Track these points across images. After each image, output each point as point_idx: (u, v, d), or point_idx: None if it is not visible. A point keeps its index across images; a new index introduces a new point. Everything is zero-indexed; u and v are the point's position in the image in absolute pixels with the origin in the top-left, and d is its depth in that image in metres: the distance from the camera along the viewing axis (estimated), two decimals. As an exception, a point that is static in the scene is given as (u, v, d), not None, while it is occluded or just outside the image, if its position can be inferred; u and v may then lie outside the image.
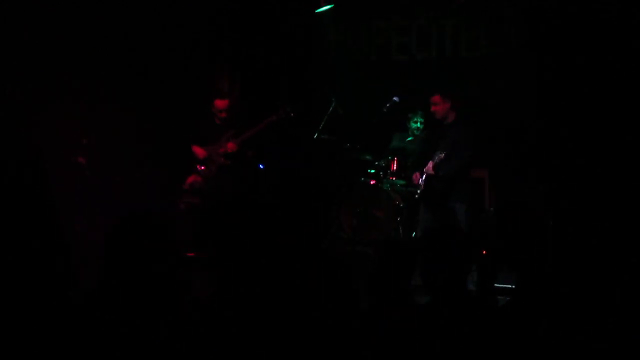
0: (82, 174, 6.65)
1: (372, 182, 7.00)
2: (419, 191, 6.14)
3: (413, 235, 6.79)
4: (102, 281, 2.14)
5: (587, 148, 6.43)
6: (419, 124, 7.21)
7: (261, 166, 7.14)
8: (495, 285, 4.04)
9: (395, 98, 6.73)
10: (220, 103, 6.77)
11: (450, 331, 2.22)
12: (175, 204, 6.65)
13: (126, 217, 2.18)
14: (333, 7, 7.47)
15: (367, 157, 7.13)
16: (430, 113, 6.10)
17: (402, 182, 6.98)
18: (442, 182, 5.96)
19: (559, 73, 6.78)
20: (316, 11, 7.52)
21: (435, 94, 5.97)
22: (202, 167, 6.77)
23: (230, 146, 6.70)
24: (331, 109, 7.13)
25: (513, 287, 4.60)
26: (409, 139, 7.24)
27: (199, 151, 6.79)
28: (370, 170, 7.11)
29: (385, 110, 6.74)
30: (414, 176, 6.29)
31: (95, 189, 6.54)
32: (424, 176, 6.06)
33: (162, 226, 2.21)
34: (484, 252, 5.63)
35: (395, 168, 6.97)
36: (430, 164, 5.93)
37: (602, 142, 6.38)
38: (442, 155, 5.80)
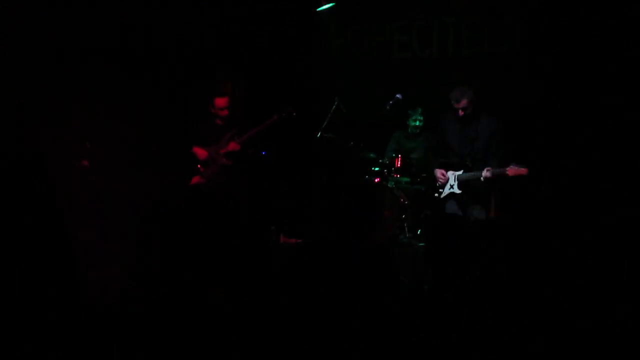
0: (86, 177, 6.66)
1: (376, 180, 6.98)
2: (442, 190, 6.07)
3: (418, 232, 6.78)
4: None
5: (591, 147, 6.42)
6: (418, 122, 7.25)
7: (264, 152, 7.13)
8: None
9: (398, 95, 6.76)
10: (220, 101, 6.78)
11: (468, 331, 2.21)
12: (179, 204, 6.62)
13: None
14: (334, 5, 7.46)
15: (371, 155, 7.12)
16: (454, 110, 5.93)
17: (406, 179, 6.97)
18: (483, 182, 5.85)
19: (563, 72, 6.77)
20: (317, 10, 7.50)
21: (460, 100, 5.84)
22: (204, 168, 6.78)
23: (232, 146, 6.70)
24: (334, 107, 7.12)
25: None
26: (410, 134, 7.29)
27: (200, 152, 6.80)
28: (374, 168, 7.10)
29: (388, 107, 6.76)
30: (439, 173, 6.13)
31: (99, 192, 6.54)
32: (457, 178, 5.97)
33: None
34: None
35: (399, 165, 6.96)
36: (487, 172, 5.73)
37: (606, 141, 6.37)
38: (489, 171, 5.70)
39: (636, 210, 5.60)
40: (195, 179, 6.78)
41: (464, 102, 5.87)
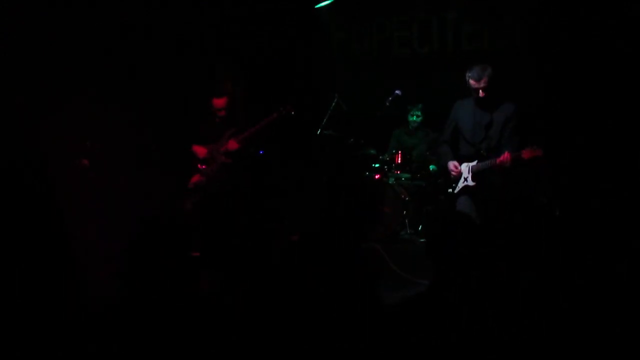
0: (87, 176, 6.66)
1: (376, 177, 6.98)
2: (455, 185, 5.53)
3: (419, 229, 6.78)
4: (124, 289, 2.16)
5: (593, 143, 6.41)
6: (417, 118, 7.30)
7: (261, 152, 7.13)
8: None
9: (397, 91, 6.77)
10: (218, 102, 6.75)
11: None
12: (180, 203, 6.65)
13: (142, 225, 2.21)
14: (333, 2, 7.45)
15: (371, 151, 7.13)
16: (474, 91, 5.37)
17: (407, 175, 6.98)
18: (500, 174, 5.35)
19: (563, 71, 6.76)
20: (316, 6, 7.50)
21: (481, 78, 5.27)
22: (204, 166, 6.78)
23: (232, 144, 6.69)
24: (334, 105, 7.12)
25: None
26: (410, 130, 7.33)
27: (199, 150, 6.81)
28: (375, 164, 7.10)
29: (388, 104, 6.77)
30: (452, 166, 5.50)
31: (99, 191, 6.55)
32: (471, 169, 5.45)
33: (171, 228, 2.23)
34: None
35: (399, 161, 6.97)
36: (505, 156, 5.20)
37: (608, 137, 6.36)
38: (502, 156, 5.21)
39: (636, 210, 5.59)
40: (196, 178, 6.79)
41: (484, 81, 5.30)
